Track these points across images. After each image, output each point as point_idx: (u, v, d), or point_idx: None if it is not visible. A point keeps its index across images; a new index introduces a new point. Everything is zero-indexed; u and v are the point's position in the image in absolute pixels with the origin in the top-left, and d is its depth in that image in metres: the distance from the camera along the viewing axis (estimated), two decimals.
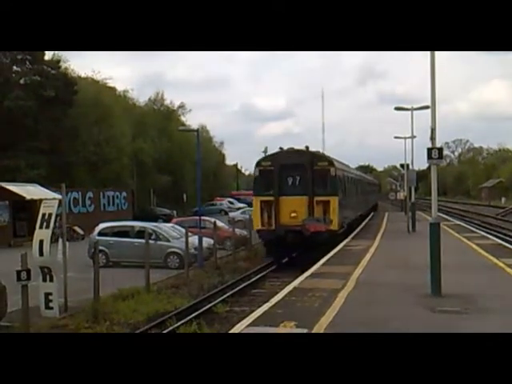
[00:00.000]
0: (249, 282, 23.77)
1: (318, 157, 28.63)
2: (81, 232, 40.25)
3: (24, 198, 37.52)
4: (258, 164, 28.68)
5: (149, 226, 28.99)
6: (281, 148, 29.37)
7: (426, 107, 28.18)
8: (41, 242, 16.90)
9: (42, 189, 40.77)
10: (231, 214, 54.26)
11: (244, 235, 34.13)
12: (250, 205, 48.31)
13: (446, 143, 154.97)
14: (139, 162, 67.04)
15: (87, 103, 59.28)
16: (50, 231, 17.08)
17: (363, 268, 19.42)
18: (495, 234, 39.10)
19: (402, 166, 46.78)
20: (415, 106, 37.66)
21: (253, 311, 13.85)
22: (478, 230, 37.99)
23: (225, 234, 33.84)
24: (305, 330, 10.89)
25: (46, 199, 20.69)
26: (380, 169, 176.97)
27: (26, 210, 38.27)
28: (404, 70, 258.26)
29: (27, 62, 55.54)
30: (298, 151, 28.66)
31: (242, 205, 71.37)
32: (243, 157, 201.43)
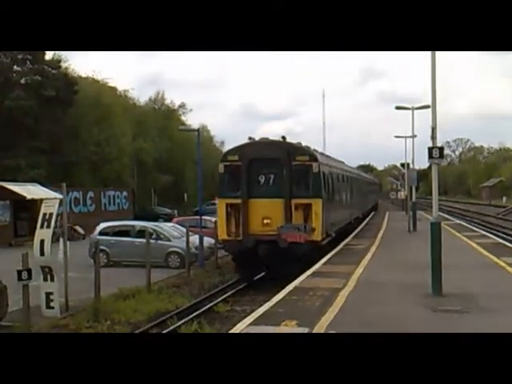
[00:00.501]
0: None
1: (296, 150, 23.03)
2: (81, 231, 40.25)
3: (25, 197, 37.50)
4: (224, 158, 23.54)
5: (149, 225, 29.01)
6: (250, 138, 23.67)
7: (427, 106, 28.17)
8: (42, 241, 16.91)
9: (43, 188, 40.76)
10: None
11: None
12: None
13: (447, 142, 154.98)
14: (140, 162, 67.04)
15: (88, 103, 59.30)
16: (50, 231, 17.08)
17: (364, 267, 19.41)
18: (496, 233, 39.09)
19: (402, 165, 46.76)
20: (416, 106, 37.71)
21: (253, 310, 13.87)
22: (478, 229, 37.98)
23: None
24: (306, 329, 10.90)
25: (46, 199, 20.70)
26: (381, 168, 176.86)
27: (26, 210, 38.26)
28: (405, 69, 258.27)
29: (28, 62, 55.54)
30: (273, 143, 23.36)
31: None
32: None
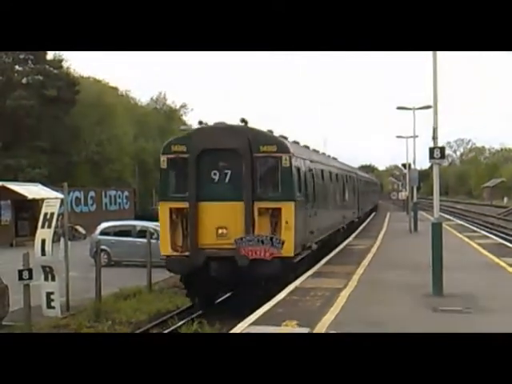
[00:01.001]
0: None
1: (260, 138, 17.67)
2: (83, 231, 40.25)
3: (26, 197, 37.50)
4: (167, 149, 18.03)
5: (150, 225, 28.95)
6: (201, 123, 18.44)
7: (428, 107, 28.15)
8: (43, 241, 16.93)
9: (44, 188, 40.77)
10: None
11: None
12: None
13: (448, 142, 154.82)
14: (141, 162, 67.07)
15: (89, 103, 59.35)
16: (51, 230, 17.10)
17: (365, 267, 19.41)
18: (497, 233, 39.06)
19: (404, 165, 46.69)
20: (417, 106, 37.67)
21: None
22: (479, 230, 37.96)
23: None
24: (307, 330, 10.90)
25: (47, 198, 20.73)
26: (382, 168, 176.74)
27: (28, 210, 38.28)
28: (407, 69, 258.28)
29: (29, 62, 55.64)
30: (230, 129, 17.92)
31: None
32: None
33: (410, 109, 38.38)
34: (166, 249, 17.55)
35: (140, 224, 30.48)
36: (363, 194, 46.10)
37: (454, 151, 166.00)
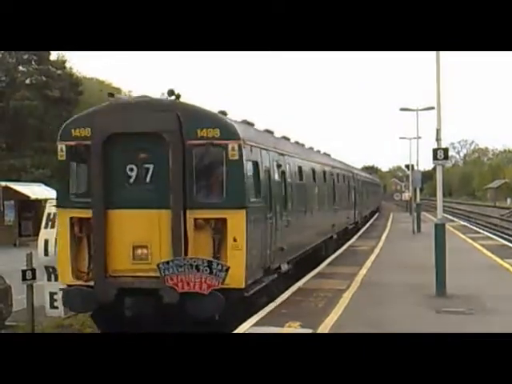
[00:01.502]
0: None
1: (198, 118, 12.45)
2: None
3: (29, 197, 37.56)
4: (65, 133, 12.92)
5: None
6: (112, 95, 13.69)
7: (432, 108, 28.13)
8: (46, 241, 16.93)
9: (48, 188, 40.79)
10: None
11: None
12: None
13: (452, 144, 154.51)
14: None
15: (92, 103, 59.21)
16: (55, 231, 17.11)
17: (368, 268, 19.39)
18: (500, 234, 38.99)
19: (407, 166, 46.67)
20: (420, 107, 37.66)
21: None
22: (482, 231, 37.89)
23: None
24: (310, 331, 10.89)
25: (51, 199, 20.73)
26: (385, 169, 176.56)
27: (31, 210, 38.31)
28: (410, 70, 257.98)
29: (33, 62, 55.72)
30: (153, 104, 12.86)
31: None
32: None
33: (413, 110, 38.42)
34: (64, 276, 12.68)
35: None
36: (362, 196, 41.33)
37: (458, 152, 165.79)
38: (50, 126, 52.34)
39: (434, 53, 14.98)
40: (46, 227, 17.22)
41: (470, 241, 28.66)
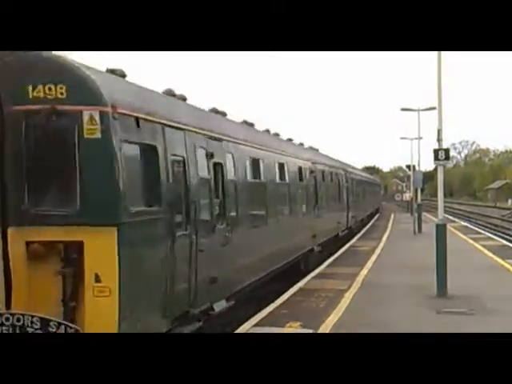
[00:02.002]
0: None
1: (27, 66, 7.19)
2: None
3: None
4: None
5: None
6: None
7: (433, 108, 28.13)
8: None
9: None
10: None
11: None
12: None
13: (453, 144, 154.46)
14: None
15: None
16: None
17: (369, 269, 19.40)
18: (501, 235, 38.97)
19: (408, 167, 46.71)
20: (422, 107, 37.67)
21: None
22: (483, 232, 37.88)
23: None
24: (310, 331, 10.89)
25: None
26: (386, 170, 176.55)
27: None
28: (411, 70, 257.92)
29: None
30: None
31: None
32: None
33: (414, 110, 38.43)
34: None
35: None
36: (358, 197, 37.22)
37: (459, 153, 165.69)
38: None
39: (435, 53, 14.98)
40: None
41: (471, 241, 28.65)
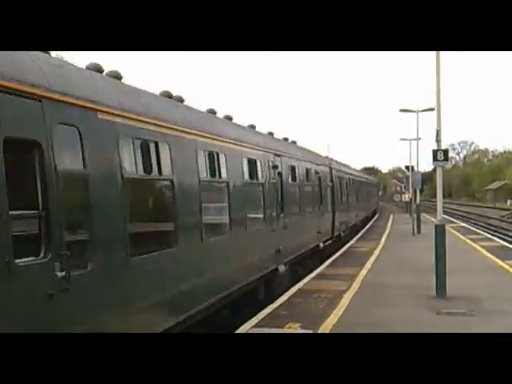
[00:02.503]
0: None
1: None
2: None
3: None
4: None
5: None
6: None
7: (432, 109, 28.16)
8: None
9: None
10: None
11: None
12: None
13: (452, 145, 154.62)
14: None
15: None
16: None
17: (368, 270, 19.40)
18: (500, 236, 38.99)
19: (407, 167, 46.75)
20: (420, 108, 37.73)
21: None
22: (483, 232, 37.90)
23: None
24: (310, 332, 10.89)
25: None
26: (385, 170, 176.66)
27: None
28: (410, 71, 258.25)
29: None
30: None
31: None
32: None
33: (413, 111, 38.50)
34: None
35: None
36: (348, 199, 32.68)
37: (458, 153, 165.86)
38: None
39: (434, 53, 14.98)
40: None
41: (470, 242, 28.66)
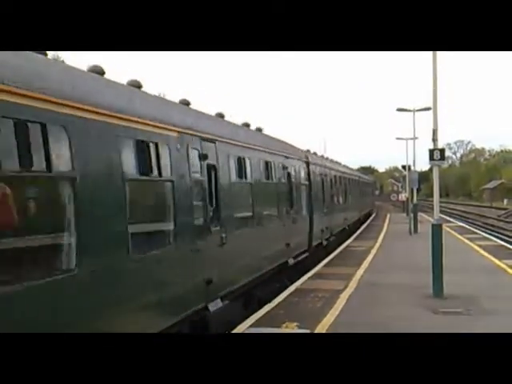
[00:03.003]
0: None
1: None
2: None
3: None
4: None
5: None
6: None
7: (428, 108, 28.18)
8: None
9: None
10: None
11: None
12: None
13: (448, 144, 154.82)
14: None
15: None
16: None
17: (365, 269, 19.41)
18: (497, 235, 39.05)
19: (403, 167, 46.78)
20: (417, 108, 37.73)
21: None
22: (479, 232, 37.95)
23: None
24: (307, 331, 10.90)
25: None
26: (382, 170, 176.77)
27: None
28: (407, 70, 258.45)
29: None
30: None
31: None
32: None
33: (409, 110, 38.50)
34: None
35: None
36: (333, 201, 28.16)
37: (454, 153, 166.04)
38: None
39: (431, 53, 14.99)
40: None
41: (467, 241, 28.69)
